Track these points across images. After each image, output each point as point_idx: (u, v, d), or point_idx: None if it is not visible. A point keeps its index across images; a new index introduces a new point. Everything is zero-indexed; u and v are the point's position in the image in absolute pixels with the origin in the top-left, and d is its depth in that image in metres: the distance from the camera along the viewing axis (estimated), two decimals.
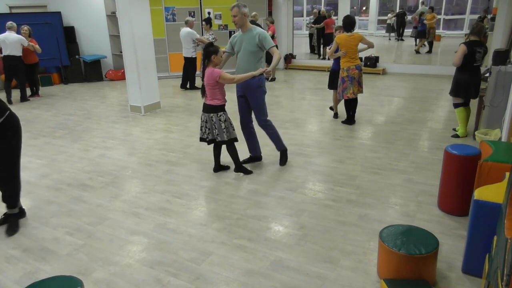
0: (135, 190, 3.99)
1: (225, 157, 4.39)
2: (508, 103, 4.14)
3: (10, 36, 7.60)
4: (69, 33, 10.11)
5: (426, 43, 13.52)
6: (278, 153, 4.58)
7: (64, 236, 3.18)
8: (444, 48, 14.52)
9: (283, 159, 4.53)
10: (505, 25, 8.22)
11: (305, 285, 2.53)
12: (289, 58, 11.78)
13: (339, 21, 12.56)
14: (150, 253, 2.92)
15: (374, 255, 2.79)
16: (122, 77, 10.12)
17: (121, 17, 6.58)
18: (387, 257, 2.44)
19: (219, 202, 3.67)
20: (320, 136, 5.51)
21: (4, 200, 3.31)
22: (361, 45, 5.72)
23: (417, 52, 13.40)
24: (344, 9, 12.25)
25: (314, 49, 13.37)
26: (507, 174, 2.57)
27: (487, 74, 5.22)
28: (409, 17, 17.06)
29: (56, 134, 5.92)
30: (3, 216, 3.35)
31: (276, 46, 4.19)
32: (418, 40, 13.98)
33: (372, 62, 10.45)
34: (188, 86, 9.06)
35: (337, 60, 5.93)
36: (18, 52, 7.69)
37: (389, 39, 17.87)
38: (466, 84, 4.98)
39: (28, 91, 8.55)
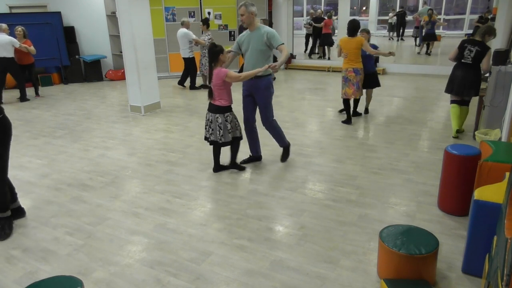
0: (135, 190, 3.99)
1: (225, 157, 4.40)
2: (508, 103, 4.14)
3: (0, 37, 7.54)
4: (69, 33, 10.11)
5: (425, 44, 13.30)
6: (278, 154, 4.59)
7: (64, 236, 3.18)
8: (444, 48, 14.49)
9: (285, 155, 4.55)
10: (505, 25, 8.20)
11: (305, 285, 2.53)
12: (289, 58, 11.79)
13: (339, 21, 12.53)
14: (150, 253, 2.92)
15: (374, 255, 2.79)
16: (122, 77, 10.12)
17: (121, 17, 6.58)
18: (387, 257, 2.44)
19: (219, 202, 3.67)
20: (320, 136, 5.51)
21: None
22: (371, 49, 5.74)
23: (428, 54, 12.66)
24: (344, 9, 12.18)
25: (311, 51, 13.10)
26: (507, 174, 2.57)
27: (487, 74, 5.22)
28: (409, 17, 17.05)
29: (56, 134, 5.92)
30: None
31: None
32: (426, 43, 12.95)
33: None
34: (184, 84, 9.07)
35: (366, 62, 5.95)
36: (10, 54, 7.65)
37: (391, 38, 17.84)
38: (451, 79, 5.11)
39: (33, 92, 8.59)
